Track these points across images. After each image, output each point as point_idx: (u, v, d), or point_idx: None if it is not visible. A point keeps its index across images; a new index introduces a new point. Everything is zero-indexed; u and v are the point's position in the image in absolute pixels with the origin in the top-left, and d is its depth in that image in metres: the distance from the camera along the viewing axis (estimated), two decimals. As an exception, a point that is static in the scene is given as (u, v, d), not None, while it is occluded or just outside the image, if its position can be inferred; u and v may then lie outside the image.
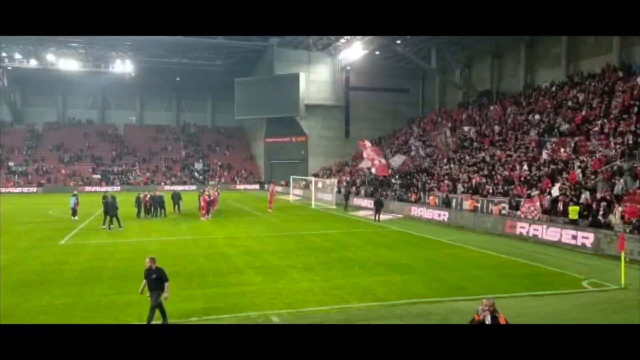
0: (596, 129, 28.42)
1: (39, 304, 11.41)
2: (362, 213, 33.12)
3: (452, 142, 38.97)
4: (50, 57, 58.96)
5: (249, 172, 68.92)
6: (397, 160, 41.63)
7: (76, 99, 72.14)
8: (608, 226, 18.91)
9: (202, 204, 29.14)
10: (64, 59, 59.47)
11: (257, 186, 64.84)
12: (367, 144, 39.25)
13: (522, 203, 23.45)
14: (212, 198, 30.25)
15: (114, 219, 24.19)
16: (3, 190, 56.03)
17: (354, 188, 42.18)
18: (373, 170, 38.97)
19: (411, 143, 40.34)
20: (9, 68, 60.34)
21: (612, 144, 25.54)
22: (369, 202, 35.20)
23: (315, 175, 52.45)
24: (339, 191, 40.55)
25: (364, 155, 38.96)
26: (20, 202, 43.70)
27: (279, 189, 55.64)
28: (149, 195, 29.84)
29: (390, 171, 39.83)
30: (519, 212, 23.30)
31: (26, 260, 16.68)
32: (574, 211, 20.50)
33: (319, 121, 61.97)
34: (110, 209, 24.21)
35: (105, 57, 61.58)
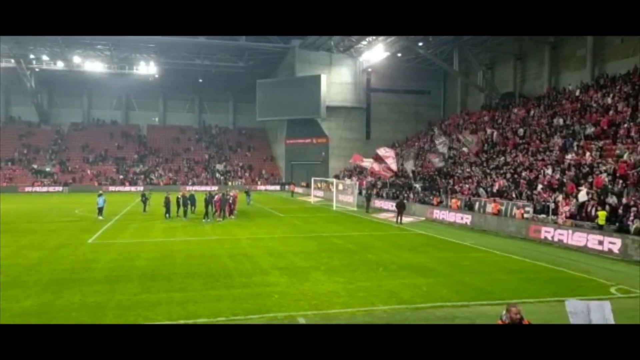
0: (623, 132, 28.00)
1: (71, 301, 11.69)
2: (383, 215, 33.10)
3: (474, 145, 38.61)
4: (76, 59, 60.26)
5: (269, 173, 69.30)
6: (409, 165, 40.55)
7: (101, 100, 73.56)
8: (637, 232, 18.60)
9: (216, 205, 29.12)
10: (90, 60, 60.75)
11: (277, 187, 65.44)
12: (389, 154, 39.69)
13: (559, 207, 22.80)
14: (228, 199, 30.28)
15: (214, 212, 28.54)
16: (30, 189, 57.58)
17: (375, 190, 42.13)
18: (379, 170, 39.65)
19: (440, 142, 40.10)
20: (37, 70, 61.83)
21: (639, 148, 25.12)
22: (390, 205, 35.15)
23: (336, 176, 52.51)
24: (360, 193, 40.53)
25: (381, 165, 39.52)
26: (48, 201, 44.70)
27: (299, 189, 55.93)
28: (218, 195, 29.52)
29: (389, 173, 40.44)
30: (557, 218, 22.63)
31: (57, 258, 17.08)
32: (602, 216, 20.15)
33: (340, 123, 61.95)
34: (213, 203, 28.60)
35: (130, 59, 62.59)
